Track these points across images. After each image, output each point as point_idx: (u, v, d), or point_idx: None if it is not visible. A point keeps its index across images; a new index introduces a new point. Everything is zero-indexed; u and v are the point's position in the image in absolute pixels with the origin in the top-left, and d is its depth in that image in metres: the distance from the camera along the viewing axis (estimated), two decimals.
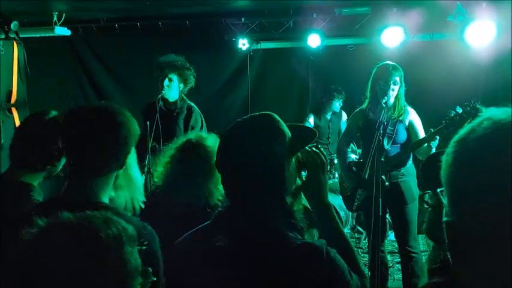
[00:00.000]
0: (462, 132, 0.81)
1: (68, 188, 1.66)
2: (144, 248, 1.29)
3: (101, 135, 1.60)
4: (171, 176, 2.60)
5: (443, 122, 3.55)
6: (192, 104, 4.71)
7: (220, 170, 1.60)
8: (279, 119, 1.63)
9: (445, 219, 0.79)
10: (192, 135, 2.72)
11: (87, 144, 1.61)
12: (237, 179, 1.53)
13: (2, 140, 4.82)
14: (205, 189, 2.52)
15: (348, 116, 5.67)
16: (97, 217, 1.16)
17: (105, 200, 1.67)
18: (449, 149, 0.82)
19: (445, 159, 0.82)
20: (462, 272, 0.79)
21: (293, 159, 1.58)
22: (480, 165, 0.75)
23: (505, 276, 0.71)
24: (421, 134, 3.82)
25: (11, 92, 5.07)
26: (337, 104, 6.08)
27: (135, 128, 1.69)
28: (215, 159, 1.62)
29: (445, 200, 0.82)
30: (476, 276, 0.76)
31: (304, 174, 1.69)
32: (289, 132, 1.57)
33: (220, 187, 2.55)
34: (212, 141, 2.58)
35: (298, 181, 1.64)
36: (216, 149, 2.32)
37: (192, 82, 4.69)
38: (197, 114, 4.65)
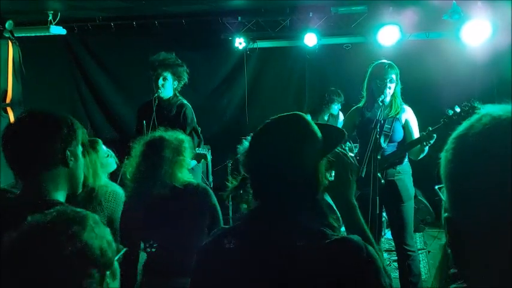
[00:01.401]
0: (461, 128, 0.81)
1: (23, 187, 1.79)
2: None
3: (33, 136, 1.73)
4: (143, 168, 2.78)
5: (441, 121, 3.54)
6: (185, 102, 4.73)
7: (251, 171, 1.59)
8: (309, 119, 1.61)
9: (445, 215, 0.79)
10: (156, 133, 2.92)
11: (22, 146, 1.74)
12: (271, 180, 1.51)
13: None
14: (172, 176, 2.73)
15: (345, 115, 5.68)
16: (55, 215, 1.25)
17: (60, 198, 1.77)
18: (448, 145, 0.82)
19: (444, 155, 0.82)
20: (463, 268, 0.79)
21: (324, 160, 1.58)
22: (480, 160, 0.75)
23: (507, 271, 0.71)
24: (416, 132, 3.83)
25: (6, 91, 5.05)
26: (335, 107, 6.07)
27: (67, 126, 1.79)
28: (243, 160, 1.66)
29: (444, 197, 0.82)
30: (477, 271, 0.76)
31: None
32: (319, 133, 1.56)
33: (184, 172, 2.76)
34: (171, 135, 2.84)
35: (325, 181, 1.62)
36: (175, 140, 2.67)
37: (185, 78, 4.71)
38: (187, 110, 4.66)
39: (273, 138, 1.54)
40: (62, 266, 1.18)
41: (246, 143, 2.53)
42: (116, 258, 1.31)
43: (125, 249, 1.33)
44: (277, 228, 1.49)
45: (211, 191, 2.85)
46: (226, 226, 1.72)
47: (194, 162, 4.39)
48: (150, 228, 2.71)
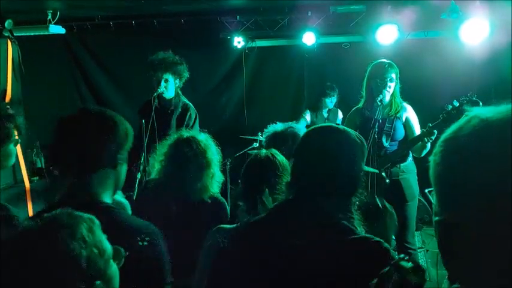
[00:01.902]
0: (449, 131, 0.81)
1: (69, 187, 1.72)
2: (145, 243, 1.49)
3: (87, 136, 1.68)
4: (167, 170, 2.67)
5: (440, 116, 3.55)
6: (188, 102, 4.72)
7: (301, 159, 1.70)
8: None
9: (435, 218, 0.79)
10: (183, 132, 2.82)
11: (75, 145, 1.69)
12: (320, 173, 1.62)
13: None
14: (200, 182, 2.61)
15: (344, 115, 5.69)
16: (47, 221, 1.22)
17: (107, 199, 1.73)
18: (437, 148, 0.81)
19: (433, 158, 0.82)
20: (454, 269, 0.79)
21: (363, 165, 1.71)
22: (470, 162, 0.75)
23: (496, 272, 0.72)
24: (417, 130, 3.84)
25: (5, 91, 5.04)
26: (330, 101, 6.07)
27: (124, 130, 1.76)
28: (296, 146, 1.74)
29: (434, 200, 0.82)
30: (468, 273, 0.76)
31: None
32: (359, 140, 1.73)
33: (214, 182, 2.64)
34: (203, 137, 2.76)
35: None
36: (207, 144, 2.58)
37: (186, 75, 4.70)
38: (192, 112, 4.65)
39: (328, 142, 1.67)
40: (45, 276, 1.15)
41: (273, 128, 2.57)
42: (117, 263, 1.28)
43: (126, 254, 1.31)
44: (308, 220, 1.58)
45: (226, 204, 2.78)
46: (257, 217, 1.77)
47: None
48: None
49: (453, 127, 0.81)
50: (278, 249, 1.57)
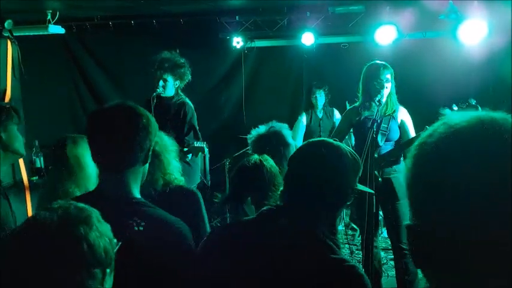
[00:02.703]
0: (423, 135, 0.82)
1: (102, 182, 1.76)
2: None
3: (127, 131, 1.70)
4: None
5: (438, 119, 3.56)
6: (186, 99, 4.72)
7: (291, 168, 1.72)
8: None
9: (406, 223, 0.79)
10: None
11: (114, 140, 1.70)
12: (310, 184, 1.64)
13: None
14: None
15: (341, 114, 5.70)
16: (60, 213, 1.23)
17: (137, 195, 1.76)
18: (411, 152, 0.82)
19: (406, 162, 0.83)
20: (426, 275, 0.79)
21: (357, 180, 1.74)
22: (434, 169, 0.76)
23: (467, 277, 0.72)
24: (412, 132, 3.88)
25: (5, 90, 5.05)
26: (319, 96, 5.97)
27: (155, 123, 1.79)
28: (290, 156, 1.78)
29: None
30: (440, 278, 0.76)
31: None
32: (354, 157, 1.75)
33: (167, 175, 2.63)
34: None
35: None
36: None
37: (188, 76, 4.70)
38: (188, 108, 4.66)
39: (324, 149, 1.69)
40: (66, 266, 1.17)
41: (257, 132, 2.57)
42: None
43: (120, 244, 1.33)
44: (289, 228, 1.60)
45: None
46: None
47: (190, 155, 4.39)
48: None
49: (426, 132, 0.82)
50: (253, 252, 1.59)
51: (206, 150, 4.37)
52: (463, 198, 0.72)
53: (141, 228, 1.58)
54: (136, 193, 1.75)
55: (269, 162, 2.14)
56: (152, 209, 1.73)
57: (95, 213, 1.27)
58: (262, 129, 2.80)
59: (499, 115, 0.78)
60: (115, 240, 1.32)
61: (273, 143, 2.62)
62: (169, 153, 2.62)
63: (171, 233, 1.67)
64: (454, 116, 0.79)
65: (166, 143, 2.64)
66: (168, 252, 1.60)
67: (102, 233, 1.24)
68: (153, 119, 1.77)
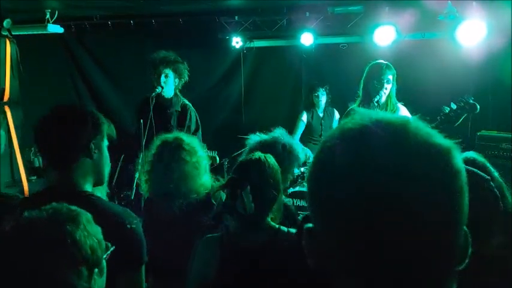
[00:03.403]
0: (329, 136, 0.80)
1: (51, 178, 1.87)
2: (133, 226, 1.71)
3: (61, 127, 1.83)
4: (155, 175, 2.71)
5: (438, 118, 3.56)
6: (187, 102, 4.73)
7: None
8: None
9: (306, 225, 0.77)
10: (169, 135, 2.86)
11: (56, 137, 1.83)
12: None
13: None
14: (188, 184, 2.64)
15: (341, 115, 5.70)
16: (51, 212, 1.29)
17: (88, 188, 1.86)
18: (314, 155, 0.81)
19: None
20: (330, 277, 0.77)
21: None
22: (318, 174, 0.75)
23: (362, 282, 0.71)
24: None
25: (3, 89, 5.05)
26: (320, 94, 5.99)
27: (94, 119, 1.87)
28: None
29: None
30: (337, 283, 0.75)
31: None
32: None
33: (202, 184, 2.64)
34: (190, 140, 2.80)
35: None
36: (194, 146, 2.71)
37: (186, 76, 4.71)
38: (192, 112, 4.66)
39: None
40: (53, 262, 1.21)
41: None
42: (104, 256, 1.36)
43: (112, 248, 1.38)
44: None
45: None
46: None
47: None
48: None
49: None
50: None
51: (217, 159, 4.41)
52: (346, 208, 0.69)
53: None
54: (86, 187, 1.85)
55: (271, 159, 2.15)
56: (100, 202, 1.82)
57: (86, 215, 1.33)
58: (264, 136, 2.78)
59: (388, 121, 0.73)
60: (108, 244, 1.37)
61: (279, 151, 2.62)
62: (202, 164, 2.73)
63: (123, 224, 1.74)
64: (347, 120, 0.76)
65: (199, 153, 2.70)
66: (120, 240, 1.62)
67: (90, 233, 1.29)
68: (93, 114, 1.87)
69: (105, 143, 1.92)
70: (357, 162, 0.69)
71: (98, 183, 1.92)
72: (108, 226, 1.41)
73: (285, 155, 2.60)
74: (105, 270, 1.37)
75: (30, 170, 5.41)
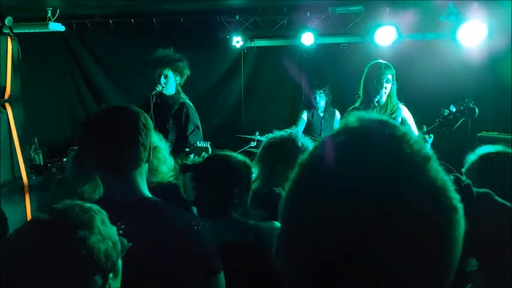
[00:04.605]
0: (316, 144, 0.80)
1: (109, 186, 1.73)
2: (199, 227, 1.68)
3: (129, 132, 1.68)
4: None
5: (437, 120, 3.56)
6: (186, 99, 4.73)
7: None
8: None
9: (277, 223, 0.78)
10: None
11: (117, 143, 1.68)
12: None
13: None
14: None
15: (342, 115, 5.70)
16: (63, 214, 1.20)
17: (147, 192, 1.74)
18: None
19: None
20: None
21: None
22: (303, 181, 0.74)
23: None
24: (414, 130, 3.86)
25: (4, 87, 5.05)
26: (318, 97, 6.01)
27: (150, 120, 1.78)
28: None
29: None
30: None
31: None
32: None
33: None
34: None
35: None
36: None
37: (187, 72, 4.70)
38: (189, 109, 4.66)
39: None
40: (62, 274, 1.12)
41: None
42: (121, 256, 1.27)
43: (129, 245, 1.30)
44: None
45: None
46: None
47: (192, 155, 4.39)
48: None
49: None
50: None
51: (210, 150, 4.38)
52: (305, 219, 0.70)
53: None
54: (146, 192, 1.73)
55: (239, 157, 2.17)
56: (167, 206, 1.71)
57: (100, 215, 1.23)
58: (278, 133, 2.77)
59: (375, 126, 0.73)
60: (124, 241, 1.29)
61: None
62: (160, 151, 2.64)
63: (190, 225, 1.67)
64: (336, 129, 0.75)
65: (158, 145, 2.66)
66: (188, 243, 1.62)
67: (105, 237, 1.19)
68: (147, 116, 1.77)
69: None
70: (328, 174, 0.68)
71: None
72: (177, 232, 1.36)
73: (295, 152, 2.60)
74: (120, 270, 1.26)
75: (30, 167, 5.42)
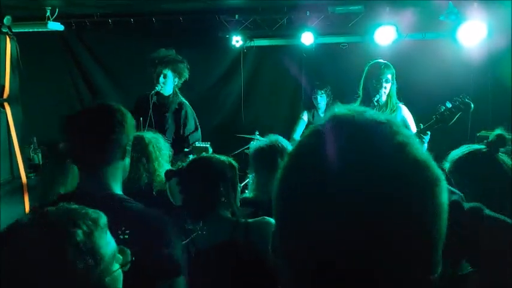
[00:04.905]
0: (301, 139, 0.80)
1: (82, 181, 1.77)
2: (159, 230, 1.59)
3: (103, 129, 1.71)
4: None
5: (433, 117, 3.55)
6: (184, 100, 4.73)
7: None
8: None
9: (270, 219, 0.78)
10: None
11: (90, 140, 1.72)
12: None
13: None
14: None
15: None
16: (62, 213, 1.17)
17: (117, 190, 1.76)
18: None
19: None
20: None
21: None
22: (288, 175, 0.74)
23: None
24: (413, 130, 3.86)
25: (3, 87, 5.04)
26: (319, 97, 6.01)
27: (131, 119, 1.79)
28: None
29: None
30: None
31: None
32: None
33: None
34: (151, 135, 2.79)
35: None
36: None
37: (186, 75, 4.71)
38: (188, 109, 4.67)
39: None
40: (50, 276, 1.10)
41: None
42: (122, 264, 1.25)
43: (132, 259, 1.29)
44: None
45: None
46: None
47: (191, 156, 4.39)
48: None
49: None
50: None
51: (210, 150, 4.38)
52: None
53: (126, 237, 1.55)
54: (117, 189, 1.75)
55: (222, 158, 2.25)
56: (132, 204, 1.72)
57: (87, 227, 1.17)
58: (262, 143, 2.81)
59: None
60: (127, 251, 1.27)
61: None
62: (163, 156, 2.65)
63: (151, 226, 1.67)
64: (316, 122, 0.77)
65: (161, 146, 2.68)
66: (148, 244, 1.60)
67: (98, 242, 1.16)
68: (128, 114, 1.78)
69: None
70: (324, 162, 0.68)
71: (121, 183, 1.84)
72: (143, 231, 1.34)
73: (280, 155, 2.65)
74: (120, 278, 1.23)
75: (29, 166, 5.41)
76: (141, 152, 2.63)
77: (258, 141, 2.84)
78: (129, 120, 1.76)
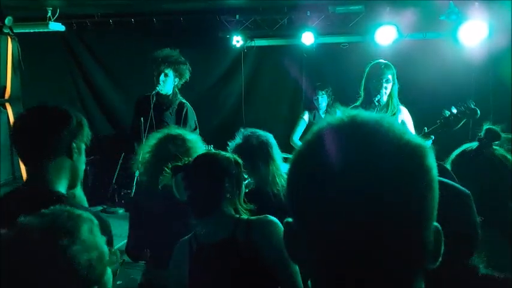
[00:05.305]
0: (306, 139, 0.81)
1: (26, 176, 1.81)
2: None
3: (44, 125, 1.78)
4: (152, 168, 2.68)
5: (437, 121, 3.54)
6: (184, 101, 4.74)
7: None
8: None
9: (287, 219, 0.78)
10: (173, 128, 2.92)
11: (34, 133, 1.78)
12: None
13: None
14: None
15: None
16: (48, 219, 1.17)
17: (62, 189, 1.78)
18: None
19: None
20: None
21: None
22: (296, 176, 0.76)
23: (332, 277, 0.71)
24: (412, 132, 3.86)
25: (5, 87, 5.05)
26: (320, 98, 6.00)
27: (77, 120, 1.84)
28: None
29: None
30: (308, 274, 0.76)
31: None
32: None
33: None
34: (192, 137, 2.88)
35: None
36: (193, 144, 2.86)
37: (186, 76, 4.72)
38: (188, 110, 4.68)
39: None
40: (41, 282, 1.09)
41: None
42: (114, 268, 1.24)
43: (122, 259, 1.32)
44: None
45: None
46: None
47: None
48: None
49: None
50: None
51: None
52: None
53: None
54: (60, 187, 1.76)
55: (227, 155, 2.21)
56: (69, 203, 1.70)
57: (89, 224, 1.18)
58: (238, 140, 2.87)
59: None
60: (117, 252, 1.26)
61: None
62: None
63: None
64: (322, 120, 0.80)
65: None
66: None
67: (90, 247, 1.15)
68: (75, 115, 1.83)
69: (83, 146, 1.86)
70: (326, 162, 0.69)
71: (71, 185, 1.84)
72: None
73: (258, 145, 2.78)
74: (109, 283, 1.22)
75: None
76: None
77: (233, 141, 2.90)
78: (74, 119, 1.80)
